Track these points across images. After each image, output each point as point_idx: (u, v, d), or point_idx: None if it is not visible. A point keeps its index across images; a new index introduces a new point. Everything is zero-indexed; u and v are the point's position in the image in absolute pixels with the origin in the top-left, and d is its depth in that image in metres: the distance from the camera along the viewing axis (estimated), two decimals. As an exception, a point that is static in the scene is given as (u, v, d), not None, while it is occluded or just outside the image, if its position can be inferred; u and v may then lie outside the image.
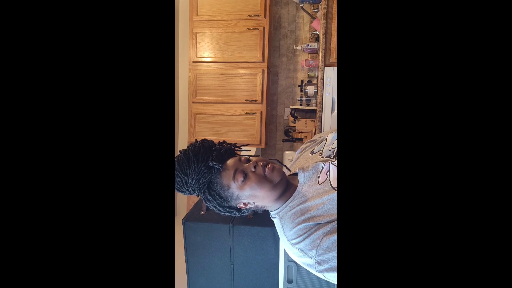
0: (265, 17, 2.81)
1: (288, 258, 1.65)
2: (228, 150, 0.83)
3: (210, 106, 2.97)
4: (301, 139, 2.94)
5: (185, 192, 0.82)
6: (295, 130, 2.99)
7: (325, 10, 2.49)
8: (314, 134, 2.73)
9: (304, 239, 0.75)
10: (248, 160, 0.83)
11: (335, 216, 0.74)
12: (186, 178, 0.79)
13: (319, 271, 0.73)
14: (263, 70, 2.85)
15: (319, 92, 2.57)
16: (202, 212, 1.97)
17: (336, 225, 0.73)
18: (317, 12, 2.80)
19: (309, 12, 2.95)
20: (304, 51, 2.97)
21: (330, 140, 0.91)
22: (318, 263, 0.72)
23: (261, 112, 2.90)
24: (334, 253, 0.70)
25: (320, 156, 0.88)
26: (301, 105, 2.93)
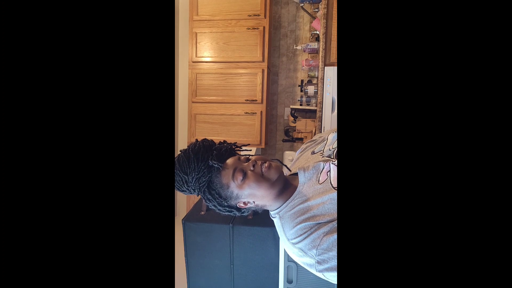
0: (265, 16, 2.80)
1: (288, 258, 1.65)
2: (228, 149, 0.84)
3: (210, 106, 2.97)
4: (301, 139, 2.94)
5: (185, 191, 0.82)
6: (295, 130, 2.99)
7: (325, 10, 2.48)
8: (314, 134, 2.73)
9: (304, 238, 0.75)
10: (247, 159, 0.83)
11: (335, 215, 0.74)
12: (186, 177, 0.80)
13: (319, 271, 0.73)
14: (263, 70, 2.85)
15: (319, 92, 2.57)
16: (202, 213, 1.97)
17: (336, 225, 0.73)
18: (317, 11, 2.80)
19: (309, 11, 2.95)
20: (304, 51, 2.97)
21: (331, 140, 0.92)
22: (318, 262, 0.72)
23: (261, 112, 2.89)
24: (334, 253, 0.70)
25: (321, 156, 0.88)
26: (301, 105, 2.93)
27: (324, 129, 2.57)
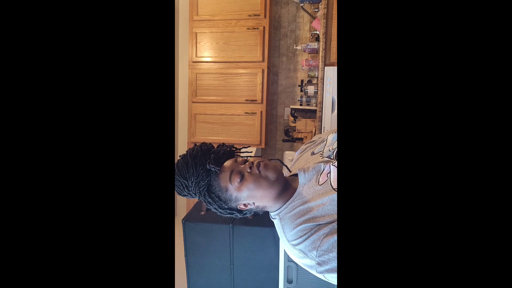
0: (265, 16, 2.80)
1: (288, 258, 1.65)
2: (226, 152, 0.84)
3: (210, 106, 2.97)
4: (301, 139, 2.94)
5: (186, 195, 0.83)
6: (295, 130, 2.99)
7: (325, 10, 2.48)
8: (314, 134, 2.73)
9: (304, 240, 0.75)
10: (245, 161, 0.83)
11: (336, 216, 0.74)
12: (185, 182, 0.81)
13: (320, 272, 0.73)
14: (263, 70, 2.85)
15: (319, 92, 2.57)
16: (202, 213, 1.97)
17: (336, 226, 0.73)
18: (317, 11, 2.80)
19: (309, 11, 2.95)
20: (304, 51, 2.97)
21: (330, 141, 0.91)
22: (319, 264, 0.72)
23: (261, 112, 2.89)
24: (334, 254, 0.70)
25: (321, 157, 0.88)
26: (301, 105, 2.93)
27: (324, 129, 2.57)
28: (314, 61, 2.85)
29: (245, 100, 2.90)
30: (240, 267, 1.89)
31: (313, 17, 2.90)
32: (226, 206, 0.84)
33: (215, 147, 0.87)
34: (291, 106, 3.01)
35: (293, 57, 3.17)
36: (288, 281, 1.67)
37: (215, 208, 0.85)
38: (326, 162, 0.84)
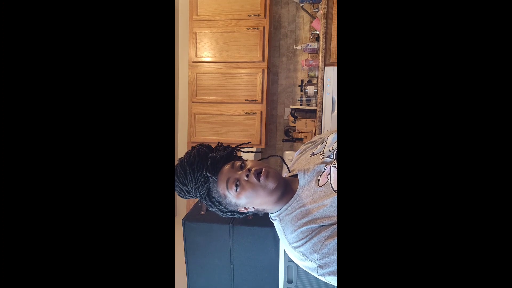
0: (265, 16, 2.80)
1: (288, 258, 1.65)
2: (223, 156, 0.82)
3: (210, 106, 2.97)
4: (301, 139, 2.94)
5: (188, 198, 0.84)
6: (295, 130, 2.99)
7: (325, 10, 2.48)
8: (314, 134, 2.73)
9: (305, 242, 0.75)
10: (241, 166, 0.81)
11: (336, 218, 0.74)
12: (185, 187, 0.81)
13: (321, 275, 0.73)
14: (263, 70, 2.85)
15: (319, 92, 2.57)
16: (202, 212, 1.97)
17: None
18: (317, 11, 2.80)
19: (309, 11, 2.95)
20: (304, 51, 2.97)
21: (331, 141, 0.91)
22: (320, 266, 0.72)
23: (261, 112, 2.89)
24: (335, 257, 0.70)
25: (321, 158, 0.87)
26: (301, 105, 2.93)
27: (324, 129, 2.57)
28: (314, 61, 2.85)
29: (245, 100, 2.90)
30: (240, 267, 1.89)
31: (313, 17, 2.90)
32: (226, 210, 0.84)
33: (214, 147, 0.86)
34: (291, 106, 3.01)
35: (293, 57, 3.17)
36: (288, 281, 1.67)
37: (216, 211, 0.85)
38: (327, 163, 0.83)
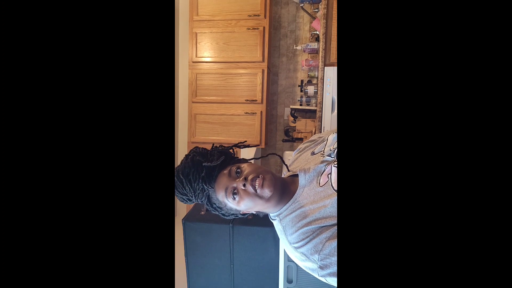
0: (265, 17, 2.80)
1: (288, 258, 1.65)
2: (218, 165, 0.81)
3: (210, 106, 2.97)
4: (301, 139, 2.94)
5: (192, 203, 0.85)
6: (295, 130, 2.99)
7: (325, 10, 2.48)
8: (314, 134, 2.73)
9: (306, 243, 0.75)
10: (238, 172, 0.80)
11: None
12: (186, 196, 0.82)
13: (322, 276, 0.73)
14: (263, 70, 2.85)
15: (319, 92, 2.57)
16: (202, 212, 1.97)
17: None
18: (317, 12, 2.80)
19: (309, 12, 2.95)
20: (304, 51, 2.97)
21: (331, 141, 0.90)
22: (321, 267, 0.72)
23: (261, 112, 2.89)
24: (336, 258, 0.70)
25: (322, 157, 0.87)
26: (301, 105, 2.93)
27: (324, 129, 2.57)
28: (314, 61, 2.85)
29: (245, 100, 2.90)
30: (240, 267, 1.89)
31: (313, 17, 2.90)
32: (228, 214, 0.86)
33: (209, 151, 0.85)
34: (291, 106, 3.01)
35: (293, 57, 3.17)
36: (288, 281, 1.67)
37: (218, 214, 0.87)
38: (328, 163, 0.83)
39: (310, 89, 2.80)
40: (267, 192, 0.78)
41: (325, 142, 0.92)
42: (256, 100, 2.88)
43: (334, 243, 0.71)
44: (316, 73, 2.84)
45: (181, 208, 3.50)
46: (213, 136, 2.96)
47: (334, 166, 0.80)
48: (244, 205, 0.80)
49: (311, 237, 0.74)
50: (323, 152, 0.89)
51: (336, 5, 2.45)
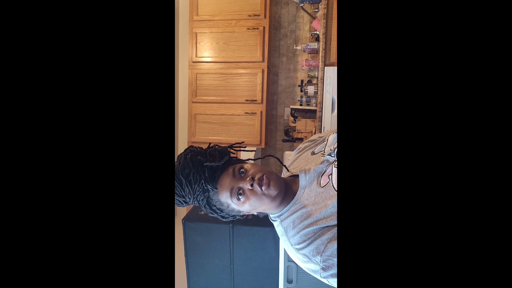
0: (265, 17, 2.80)
1: (288, 258, 1.65)
2: (220, 166, 0.79)
3: (210, 106, 2.97)
4: (301, 139, 2.94)
5: (187, 205, 0.82)
6: (295, 130, 2.99)
7: (325, 10, 2.48)
8: (314, 134, 2.73)
9: (308, 244, 0.74)
10: (241, 172, 0.79)
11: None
12: (183, 199, 0.79)
13: (324, 277, 0.72)
14: (263, 70, 2.85)
15: (319, 92, 2.57)
16: (202, 212, 1.97)
17: None
18: (317, 12, 2.80)
19: (309, 12, 2.95)
20: (304, 51, 2.97)
21: (331, 141, 0.90)
22: (323, 269, 0.72)
23: (261, 112, 2.89)
24: None
25: (322, 157, 0.87)
26: (301, 105, 2.93)
27: (324, 129, 2.57)
28: (314, 61, 2.85)
29: (245, 100, 2.90)
30: (240, 267, 1.89)
31: (313, 17, 2.90)
32: (228, 216, 0.84)
33: (204, 148, 0.82)
34: (291, 106, 3.01)
35: (293, 57, 3.17)
36: (288, 281, 1.67)
37: (217, 217, 0.84)
38: (329, 163, 0.83)
39: (310, 89, 2.80)
40: (273, 191, 0.77)
41: (325, 142, 0.92)
42: (256, 100, 2.88)
43: (336, 244, 0.71)
44: (316, 73, 2.84)
45: (181, 208, 3.50)
46: (213, 136, 2.96)
47: (335, 166, 0.80)
48: (250, 206, 0.78)
49: (313, 238, 0.74)
50: (323, 152, 0.88)
51: (336, 5, 2.45)
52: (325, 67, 2.51)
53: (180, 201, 0.80)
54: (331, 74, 2.49)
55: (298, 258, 0.78)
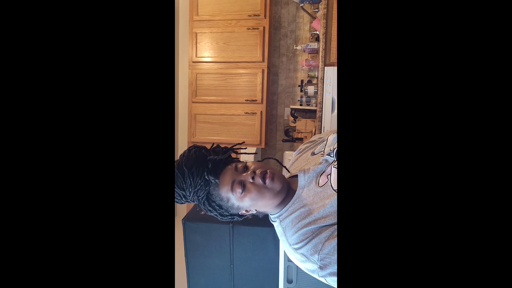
0: (265, 17, 2.80)
1: (288, 258, 1.65)
2: (223, 159, 0.80)
3: (210, 106, 2.97)
4: (301, 139, 2.94)
5: (185, 203, 0.82)
6: (295, 130, 2.99)
7: (325, 10, 2.49)
8: (314, 134, 2.73)
9: (306, 244, 0.74)
10: (244, 168, 0.80)
11: (336, 217, 0.74)
12: (183, 192, 0.79)
13: (322, 276, 0.72)
14: (263, 70, 2.85)
15: (319, 92, 2.57)
16: (202, 212, 1.97)
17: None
18: (317, 12, 2.80)
19: (309, 12, 2.95)
20: (304, 51, 2.97)
21: (331, 141, 0.90)
22: (321, 267, 0.72)
23: (261, 112, 2.89)
24: (336, 257, 0.70)
25: (322, 157, 0.87)
26: (301, 105, 2.93)
27: (324, 129, 2.57)
28: (314, 61, 2.85)
29: (245, 100, 2.90)
30: (240, 267, 1.89)
31: (313, 17, 2.90)
32: (227, 213, 0.83)
33: (209, 148, 0.83)
34: (291, 106, 3.01)
35: (293, 57, 3.17)
36: (288, 281, 1.67)
37: (216, 215, 0.83)
38: (328, 163, 0.83)
39: (310, 89, 2.80)
40: (277, 186, 0.78)
41: (325, 142, 0.92)
42: (256, 100, 2.88)
43: (333, 242, 0.71)
44: (316, 73, 2.84)
45: (181, 208, 3.50)
46: (213, 136, 2.96)
47: (334, 167, 0.80)
48: (249, 200, 0.78)
49: (311, 237, 0.74)
50: (323, 152, 0.89)
51: (336, 5, 2.45)
52: (325, 67, 2.51)
53: (179, 195, 0.79)
54: (331, 74, 2.49)
55: (296, 258, 0.78)
